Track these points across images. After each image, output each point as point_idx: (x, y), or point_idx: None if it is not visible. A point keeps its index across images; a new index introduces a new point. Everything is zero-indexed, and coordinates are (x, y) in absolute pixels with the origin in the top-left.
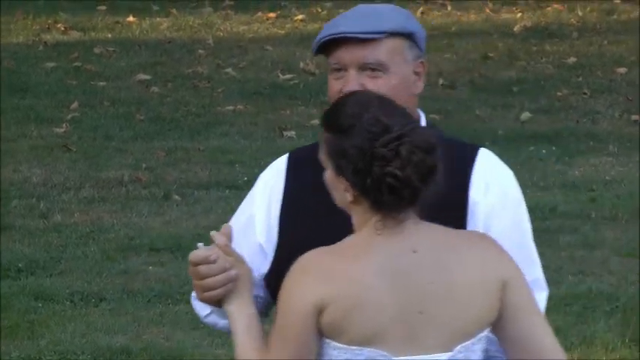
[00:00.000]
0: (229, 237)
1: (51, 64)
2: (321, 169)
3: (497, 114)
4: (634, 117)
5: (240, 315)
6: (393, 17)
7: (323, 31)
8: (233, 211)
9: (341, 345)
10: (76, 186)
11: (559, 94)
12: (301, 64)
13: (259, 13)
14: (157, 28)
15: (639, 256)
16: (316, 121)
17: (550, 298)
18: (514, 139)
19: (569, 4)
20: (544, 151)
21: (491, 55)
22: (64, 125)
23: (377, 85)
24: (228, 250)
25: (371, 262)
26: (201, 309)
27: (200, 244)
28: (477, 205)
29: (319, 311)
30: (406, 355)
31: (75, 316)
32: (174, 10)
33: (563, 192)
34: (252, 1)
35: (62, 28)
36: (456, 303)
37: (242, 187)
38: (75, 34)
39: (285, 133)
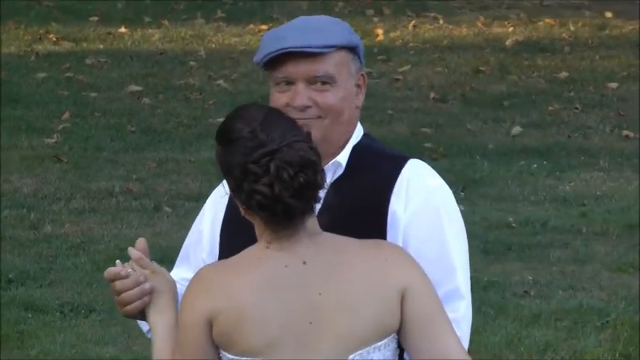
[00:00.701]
0: (144, 250)
1: (42, 75)
2: None
3: (489, 128)
4: (625, 132)
5: (158, 325)
6: (338, 31)
7: (267, 45)
8: None
9: (232, 356)
10: (67, 197)
11: (550, 108)
12: None
13: (251, 25)
14: (149, 39)
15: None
16: None
17: (540, 313)
18: (505, 153)
19: (561, 19)
20: (535, 165)
21: (482, 69)
22: (55, 136)
23: (325, 98)
24: (143, 264)
25: (258, 275)
26: (143, 325)
27: (117, 261)
28: (397, 216)
29: (210, 324)
30: None
31: (65, 326)
32: (166, 22)
33: (554, 207)
34: (243, 13)
35: (54, 39)
36: (348, 312)
37: None
38: (67, 45)
39: None
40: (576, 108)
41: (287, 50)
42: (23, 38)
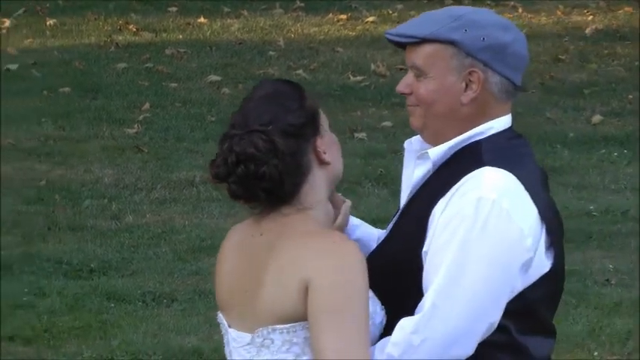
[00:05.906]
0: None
1: (122, 65)
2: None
3: (568, 116)
4: None
5: None
6: (439, 23)
7: None
8: None
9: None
10: (148, 187)
11: (630, 97)
12: (372, 66)
13: (330, 15)
14: (228, 29)
15: None
16: (388, 123)
17: (622, 302)
18: (585, 141)
19: None
20: (615, 153)
21: (562, 57)
22: (135, 126)
23: (417, 87)
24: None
25: (236, 238)
26: None
27: None
28: (435, 219)
29: None
30: (233, 328)
31: (147, 316)
32: (245, 12)
33: (634, 195)
34: (322, 3)
35: (134, 30)
36: (260, 289)
37: None
38: (146, 36)
39: (356, 134)
40: None
41: (387, 36)
42: (103, 29)
